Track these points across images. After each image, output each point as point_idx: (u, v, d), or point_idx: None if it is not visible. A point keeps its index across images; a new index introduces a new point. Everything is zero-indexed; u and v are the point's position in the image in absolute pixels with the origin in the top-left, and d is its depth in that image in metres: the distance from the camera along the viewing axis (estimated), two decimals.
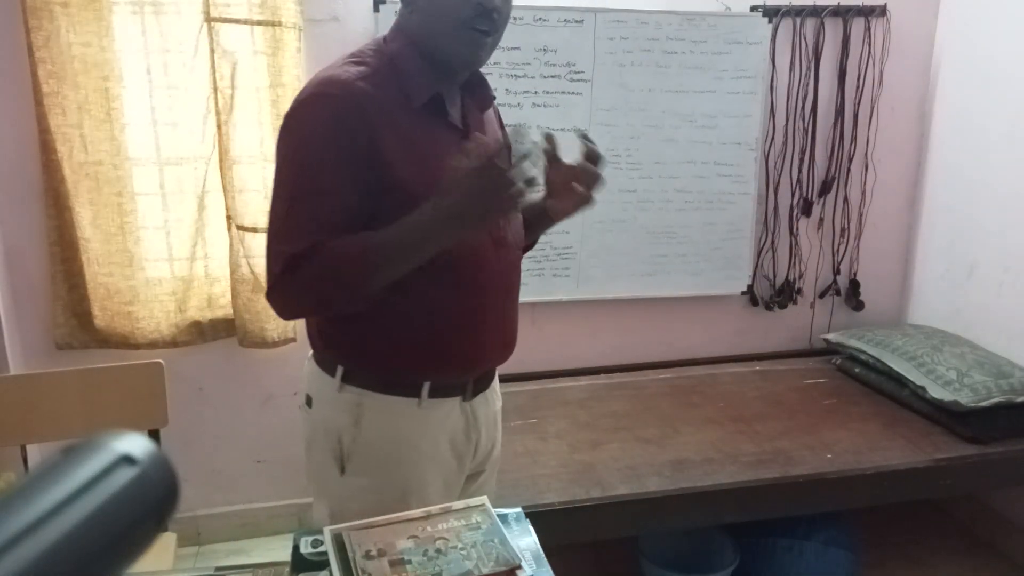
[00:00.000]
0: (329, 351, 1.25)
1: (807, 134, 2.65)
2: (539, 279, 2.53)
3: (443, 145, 1.17)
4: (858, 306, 2.84)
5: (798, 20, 2.55)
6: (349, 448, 1.23)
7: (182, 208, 2.25)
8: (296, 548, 1.01)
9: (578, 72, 2.39)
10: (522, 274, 2.45)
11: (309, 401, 1.28)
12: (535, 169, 1.13)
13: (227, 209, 2.25)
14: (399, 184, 1.13)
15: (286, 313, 1.20)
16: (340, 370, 1.22)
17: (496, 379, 1.40)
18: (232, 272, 2.28)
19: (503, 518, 1.06)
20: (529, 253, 2.45)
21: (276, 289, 1.15)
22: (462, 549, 0.96)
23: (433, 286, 1.18)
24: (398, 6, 1.23)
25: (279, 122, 2.19)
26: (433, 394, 1.24)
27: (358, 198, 1.12)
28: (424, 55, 1.18)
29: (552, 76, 2.37)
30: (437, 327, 1.21)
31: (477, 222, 1.11)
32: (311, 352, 1.30)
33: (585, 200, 1.25)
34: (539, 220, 1.37)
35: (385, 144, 1.12)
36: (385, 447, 1.23)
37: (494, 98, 1.34)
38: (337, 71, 1.15)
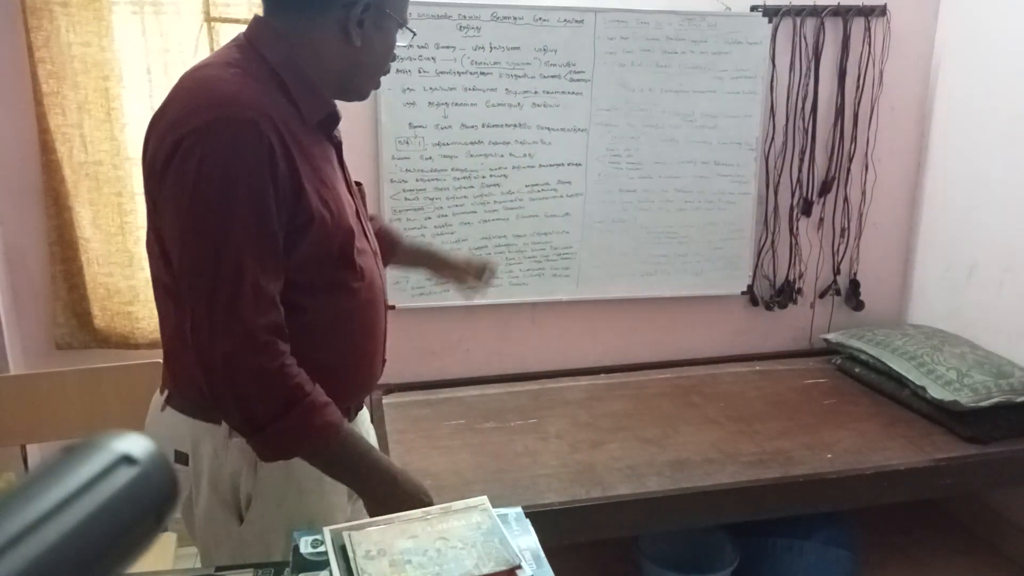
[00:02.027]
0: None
1: (807, 134, 2.65)
2: (539, 279, 2.53)
3: (330, 161, 1.16)
4: (858, 306, 2.84)
5: (798, 20, 2.55)
6: (249, 494, 1.14)
7: None
8: (296, 548, 1.01)
9: (578, 72, 2.39)
10: (522, 274, 2.49)
11: (182, 458, 1.14)
12: None
13: None
14: (314, 215, 1.06)
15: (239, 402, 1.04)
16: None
17: None
18: None
19: (503, 518, 1.06)
20: (529, 253, 2.48)
21: (228, 372, 1.01)
22: (462, 549, 0.96)
23: (334, 309, 1.13)
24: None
25: None
26: None
27: (281, 240, 1.04)
28: (318, 76, 1.11)
29: (552, 76, 2.37)
30: (338, 352, 1.16)
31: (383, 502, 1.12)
32: (163, 404, 1.16)
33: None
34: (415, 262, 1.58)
35: (302, 173, 1.04)
36: (290, 484, 1.15)
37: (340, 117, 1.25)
38: (234, 87, 1.02)
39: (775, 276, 2.77)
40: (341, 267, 1.13)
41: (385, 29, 1.13)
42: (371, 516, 1.10)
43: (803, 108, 2.63)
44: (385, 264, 1.40)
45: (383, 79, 1.22)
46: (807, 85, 2.61)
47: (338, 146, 1.22)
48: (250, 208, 0.99)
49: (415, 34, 1.22)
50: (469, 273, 1.54)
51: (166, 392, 1.18)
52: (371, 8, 1.09)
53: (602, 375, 2.60)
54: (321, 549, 0.99)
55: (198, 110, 1.00)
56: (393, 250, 1.50)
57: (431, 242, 1.59)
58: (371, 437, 1.36)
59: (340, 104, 1.20)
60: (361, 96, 1.20)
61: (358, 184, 1.30)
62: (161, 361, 1.83)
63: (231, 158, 0.98)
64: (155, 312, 2.34)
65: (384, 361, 1.30)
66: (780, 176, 2.68)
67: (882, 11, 2.59)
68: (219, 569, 1.07)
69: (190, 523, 1.21)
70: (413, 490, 1.13)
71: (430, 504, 1.12)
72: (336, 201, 1.11)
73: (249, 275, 1.00)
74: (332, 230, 1.09)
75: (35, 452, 2.03)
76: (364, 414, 1.36)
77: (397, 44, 1.18)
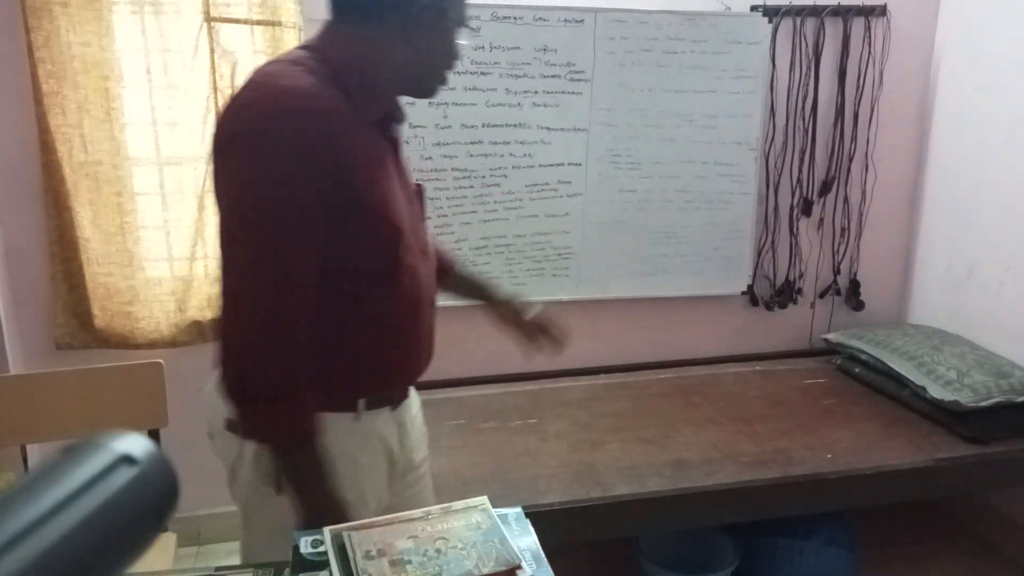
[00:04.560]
0: None
1: (807, 134, 2.65)
2: (539, 279, 2.53)
3: (385, 160, 1.20)
4: (858, 306, 2.84)
5: (798, 20, 2.55)
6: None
7: (182, 208, 2.25)
8: (296, 548, 1.01)
9: (578, 72, 2.39)
10: (522, 274, 2.49)
11: (233, 426, 1.20)
12: None
13: None
14: (360, 207, 1.11)
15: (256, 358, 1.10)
16: None
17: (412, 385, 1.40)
18: None
19: (503, 518, 1.06)
20: (529, 253, 2.48)
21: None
22: (462, 549, 0.96)
23: (378, 300, 1.18)
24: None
25: None
26: (368, 407, 1.24)
27: (321, 232, 1.09)
28: (379, 75, 1.16)
29: (552, 76, 2.37)
30: (379, 342, 1.21)
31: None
32: (218, 379, 1.19)
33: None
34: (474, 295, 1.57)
35: (351, 165, 1.10)
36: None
37: (405, 117, 1.30)
38: (295, 81, 1.07)
39: (775, 276, 2.77)
40: (387, 261, 1.18)
41: (444, 29, 1.19)
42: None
43: (803, 108, 2.63)
44: (441, 287, 1.46)
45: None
46: (807, 85, 2.61)
47: (395, 146, 1.26)
48: (293, 199, 1.05)
49: (477, 32, 1.25)
50: (534, 328, 1.53)
51: (220, 367, 1.24)
52: (429, 10, 1.15)
53: (602, 375, 2.60)
54: (321, 549, 0.99)
55: (257, 101, 1.07)
56: (445, 275, 1.51)
57: (487, 277, 1.57)
58: (417, 425, 1.40)
59: None
60: (428, 94, 1.26)
61: (418, 186, 1.35)
62: (161, 361, 1.85)
63: (281, 150, 1.04)
64: (154, 312, 2.36)
65: (429, 358, 1.35)
66: (780, 176, 2.68)
67: (882, 11, 2.59)
68: (219, 569, 1.07)
69: (234, 489, 1.28)
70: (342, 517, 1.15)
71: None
72: (384, 197, 1.16)
73: (283, 260, 1.07)
74: (376, 223, 1.14)
75: (35, 452, 2.03)
76: (413, 402, 1.38)
77: (459, 42, 1.22)
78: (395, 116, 1.24)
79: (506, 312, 1.55)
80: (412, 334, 1.27)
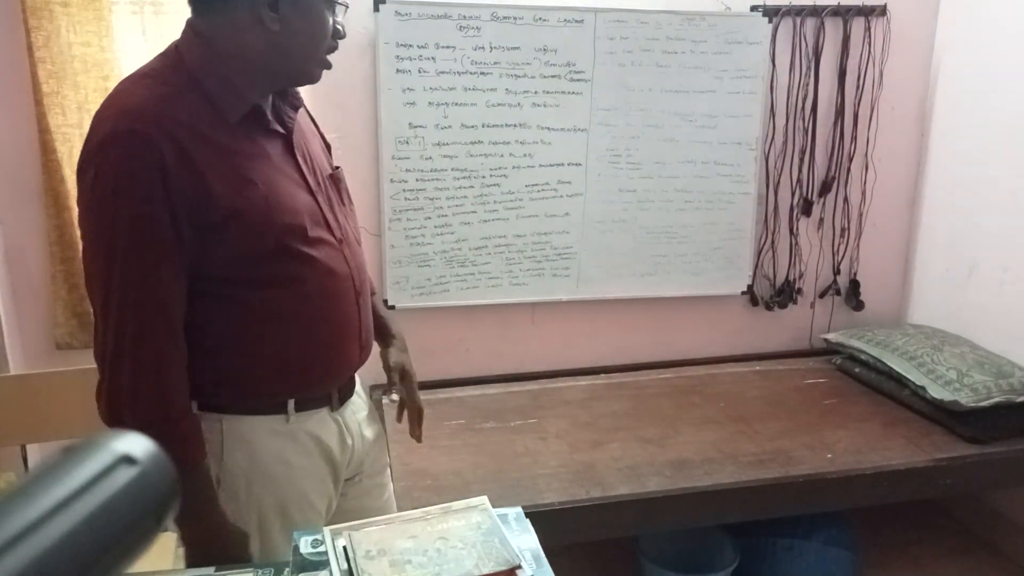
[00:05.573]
0: None
1: (807, 134, 2.65)
2: (539, 279, 2.53)
3: (268, 155, 1.14)
4: (858, 306, 2.84)
5: (798, 20, 2.55)
6: (218, 476, 1.17)
7: None
8: (296, 548, 1.01)
9: (578, 72, 2.39)
10: (522, 274, 2.49)
11: None
12: None
13: None
14: (232, 214, 1.06)
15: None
16: (194, 402, 1.13)
17: (358, 385, 1.36)
18: None
19: (503, 518, 1.06)
20: (529, 253, 2.48)
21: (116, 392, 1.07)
22: (462, 549, 0.96)
23: (285, 300, 1.14)
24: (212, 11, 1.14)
25: None
26: (299, 408, 1.20)
27: (184, 248, 1.06)
28: (238, 70, 1.10)
29: (552, 76, 2.37)
30: (294, 342, 1.16)
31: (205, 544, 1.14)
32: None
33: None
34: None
35: (209, 175, 1.04)
36: (256, 469, 1.17)
37: (302, 103, 1.26)
38: (137, 98, 1.04)
39: (775, 276, 2.77)
40: (283, 260, 1.13)
41: (305, 7, 1.10)
42: (187, 563, 1.15)
43: (803, 108, 2.63)
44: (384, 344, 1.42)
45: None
46: (807, 85, 2.61)
47: (287, 136, 1.19)
48: (140, 222, 1.02)
49: (347, 7, 1.19)
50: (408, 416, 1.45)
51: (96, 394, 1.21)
52: None
53: (602, 375, 2.60)
54: (321, 549, 0.99)
55: (99, 125, 1.04)
56: (384, 342, 1.45)
57: (410, 366, 1.47)
58: (364, 428, 1.35)
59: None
60: (308, 80, 1.18)
61: (336, 169, 1.29)
62: None
63: (117, 176, 1.02)
64: None
65: (362, 350, 1.28)
66: (780, 176, 2.68)
67: (882, 11, 2.59)
68: (219, 569, 1.07)
69: None
70: (232, 550, 1.14)
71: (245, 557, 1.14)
72: (268, 196, 1.10)
73: (139, 285, 1.04)
74: (260, 225, 1.09)
75: (35, 452, 2.03)
76: (356, 404, 1.34)
77: (334, 19, 1.14)
78: (269, 109, 1.16)
79: (384, 354, 1.43)
80: (331, 329, 1.20)
